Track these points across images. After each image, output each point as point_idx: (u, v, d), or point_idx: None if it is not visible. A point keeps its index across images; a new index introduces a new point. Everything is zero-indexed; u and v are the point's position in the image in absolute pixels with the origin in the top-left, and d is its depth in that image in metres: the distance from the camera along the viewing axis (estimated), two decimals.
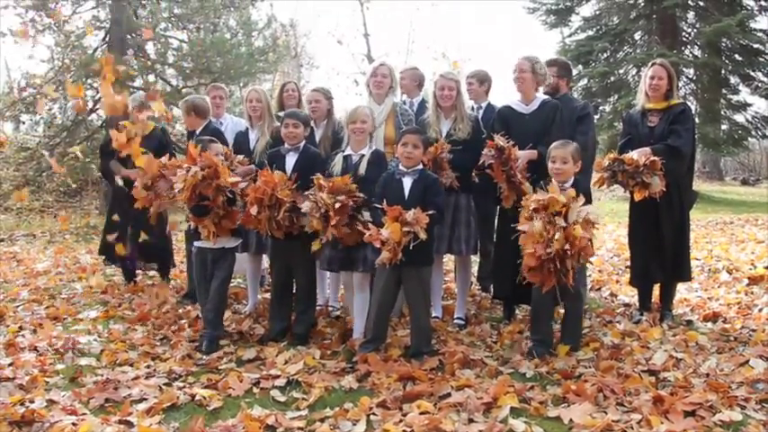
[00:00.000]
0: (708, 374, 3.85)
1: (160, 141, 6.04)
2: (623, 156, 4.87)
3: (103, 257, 6.80)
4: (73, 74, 14.75)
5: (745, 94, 18.66)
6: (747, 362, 4.02)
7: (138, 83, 15.70)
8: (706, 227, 11.31)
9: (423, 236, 4.04)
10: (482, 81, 5.89)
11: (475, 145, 4.92)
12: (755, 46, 18.01)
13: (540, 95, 5.12)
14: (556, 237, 3.93)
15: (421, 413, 3.33)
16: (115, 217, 5.77)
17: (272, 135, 5.33)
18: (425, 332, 4.38)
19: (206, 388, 3.76)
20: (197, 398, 3.59)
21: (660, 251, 5.12)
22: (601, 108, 18.50)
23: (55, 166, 3.81)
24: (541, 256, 3.96)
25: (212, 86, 6.52)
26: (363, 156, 4.66)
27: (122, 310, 5.54)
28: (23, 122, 17.48)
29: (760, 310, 5.35)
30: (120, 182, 4.85)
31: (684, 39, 19.15)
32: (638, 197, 4.85)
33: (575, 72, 17.19)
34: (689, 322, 5.13)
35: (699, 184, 18.86)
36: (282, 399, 3.65)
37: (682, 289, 5.82)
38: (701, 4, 18.64)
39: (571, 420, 3.25)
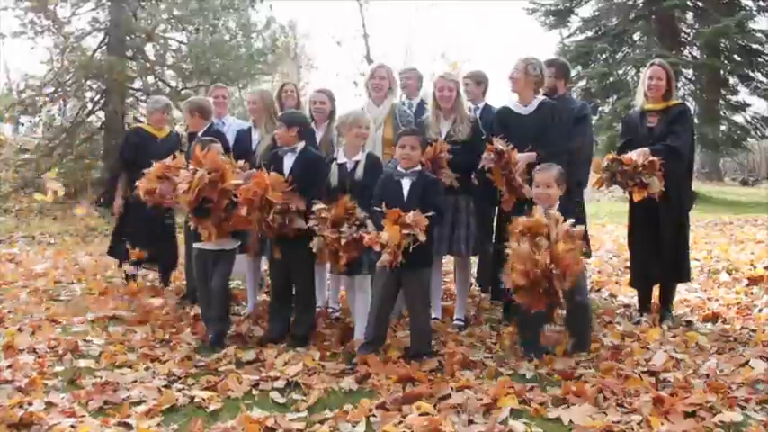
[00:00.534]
0: (708, 375, 3.85)
1: (175, 146, 6.04)
2: (622, 156, 4.86)
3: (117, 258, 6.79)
4: (72, 75, 14.75)
5: (744, 95, 18.75)
6: (747, 362, 4.02)
7: (137, 84, 15.71)
8: (705, 227, 11.31)
9: (422, 238, 4.03)
10: (479, 82, 5.87)
11: (474, 146, 4.91)
12: (754, 46, 18.07)
13: (540, 96, 5.11)
14: (537, 256, 3.87)
15: (421, 414, 3.33)
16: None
17: (274, 137, 5.33)
18: (425, 333, 4.37)
19: (205, 389, 3.75)
20: (196, 399, 3.59)
21: (659, 252, 5.11)
22: (600, 109, 18.52)
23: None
24: (530, 274, 3.89)
25: (215, 86, 6.52)
26: (358, 162, 4.63)
27: (122, 312, 5.52)
28: (22, 124, 17.47)
29: (760, 310, 5.35)
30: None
31: (683, 39, 19.19)
32: (637, 198, 4.84)
33: (574, 73, 17.26)
34: (689, 323, 5.12)
35: (698, 185, 18.83)
36: (282, 400, 3.64)
37: (681, 290, 5.82)
38: (700, 4, 18.67)
39: (571, 421, 3.25)
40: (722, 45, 17.95)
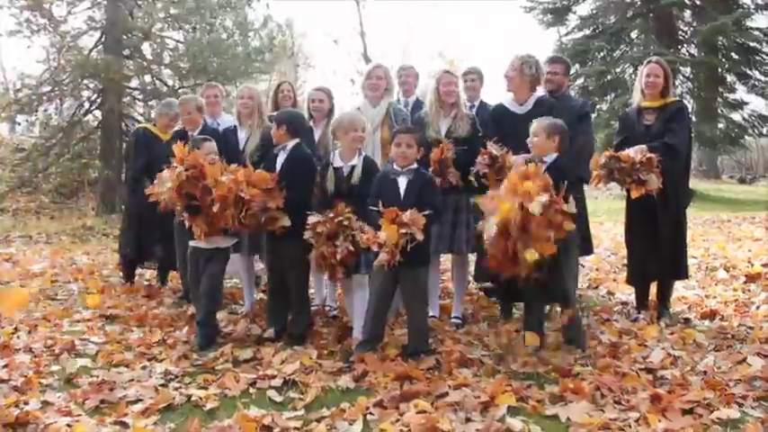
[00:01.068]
0: (705, 372, 3.85)
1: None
2: (619, 153, 4.85)
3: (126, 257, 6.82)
4: (69, 74, 14.72)
5: (741, 93, 18.80)
6: (745, 359, 4.02)
7: (134, 83, 15.69)
8: (703, 225, 11.33)
9: (420, 237, 4.02)
10: (481, 78, 5.88)
11: (473, 143, 4.90)
12: (752, 44, 18.10)
13: (536, 94, 5.10)
14: (507, 206, 3.89)
15: (418, 412, 3.32)
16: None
17: (263, 135, 5.33)
18: (422, 331, 4.36)
19: (202, 388, 3.74)
20: (193, 398, 3.57)
21: (657, 249, 5.11)
22: (598, 107, 18.53)
23: None
24: (501, 244, 3.92)
25: (207, 85, 6.44)
26: (354, 166, 4.58)
27: (119, 311, 5.52)
28: (19, 123, 17.46)
29: (757, 307, 5.35)
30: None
31: (681, 37, 19.21)
32: (634, 195, 4.82)
33: (572, 71, 17.23)
34: (686, 320, 5.13)
35: (696, 183, 18.88)
36: (279, 399, 3.62)
37: (679, 287, 5.82)
38: (698, 2, 18.70)
39: (568, 419, 3.24)
40: (720, 43, 17.97)
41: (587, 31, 19.97)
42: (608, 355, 4.19)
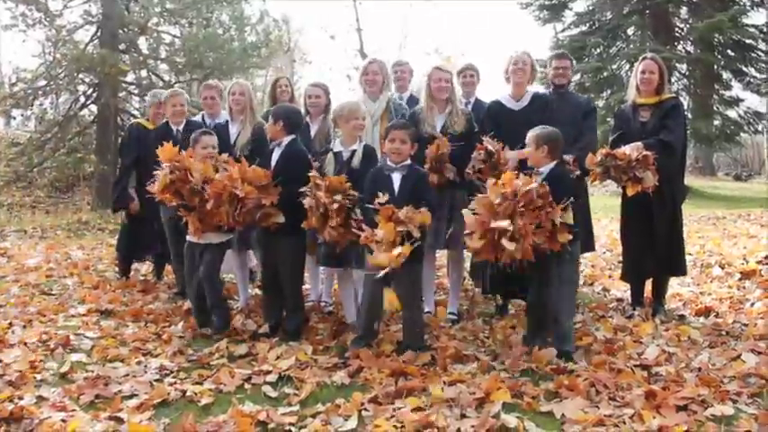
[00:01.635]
0: (700, 369, 3.85)
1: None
2: (615, 151, 4.84)
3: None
4: (64, 69, 14.68)
5: (737, 90, 18.79)
6: (739, 356, 4.02)
7: (130, 78, 15.66)
8: (698, 222, 11.35)
9: (416, 234, 4.01)
10: (478, 75, 5.89)
11: (470, 139, 4.90)
12: (748, 41, 18.09)
13: (531, 90, 5.12)
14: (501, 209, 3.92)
15: (413, 409, 3.32)
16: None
17: (254, 131, 5.33)
18: (417, 328, 4.36)
19: (197, 384, 3.74)
20: (188, 394, 3.57)
21: (653, 246, 5.11)
22: (594, 104, 18.52)
23: None
24: (485, 225, 3.93)
25: (204, 85, 6.40)
26: (355, 151, 4.61)
27: (114, 306, 5.51)
28: (14, 118, 17.41)
29: (752, 304, 5.36)
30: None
31: (677, 34, 19.20)
32: (630, 192, 4.81)
33: None
34: (681, 317, 5.13)
35: (691, 180, 18.93)
36: (274, 394, 3.62)
37: (674, 284, 5.83)
38: None
39: (563, 415, 3.25)
40: (716, 40, 17.96)
41: (584, 28, 19.95)
42: (603, 351, 4.19)
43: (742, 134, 19.50)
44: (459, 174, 4.87)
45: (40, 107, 15.80)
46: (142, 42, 15.65)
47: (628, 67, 18.23)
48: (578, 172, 4.88)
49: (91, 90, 15.40)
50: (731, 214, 12.46)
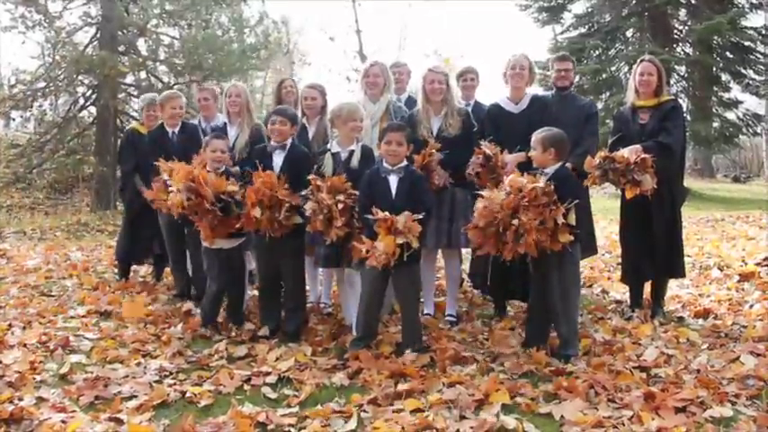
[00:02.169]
0: (699, 371, 3.85)
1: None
2: (614, 154, 4.84)
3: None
4: (63, 70, 14.68)
5: (736, 92, 18.79)
6: (738, 358, 4.02)
7: (129, 79, 15.65)
8: (697, 224, 11.35)
9: (415, 244, 4.02)
10: (478, 78, 5.89)
11: (467, 140, 4.90)
12: (747, 44, 18.12)
13: (530, 93, 5.12)
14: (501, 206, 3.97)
15: (412, 410, 3.33)
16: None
17: (252, 133, 5.33)
18: (416, 329, 4.37)
19: (197, 385, 3.74)
20: (187, 395, 3.58)
21: (652, 249, 5.12)
22: (596, 107, 18.52)
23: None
24: (490, 215, 3.99)
25: (199, 88, 6.41)
26: (352, 151, 4.61)
27: (114, 307, 5.50)
28: (14, 119, 17.40)
29: (751, 306, 5.36)
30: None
31: (676, 36, 19.22)
32: (629, 195, 4.81)
33: None
34: (680, 319, 5.14)
35: (690, 182, 18.90)
36: (273, 396, 3.63)
37: (673, 286, 5.83)
38: (693, 1, 18.72)
39: (562, 417, 3.25)
40: (715, 42, 17.98)
41: (582, 30, 19.96)
42: (602, 353, 4.20)
43: (741, 136, 19.49)
44: (458, 175, 4.87)
45: (39, 108, 15.79)
46: (141, 44, 15.66)
47: (627, 69, 18.23)
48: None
49: (90, 92, 15.40)
50: (730, 216, 12.46)
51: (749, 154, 31.28)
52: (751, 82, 18.24)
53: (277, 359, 4.16)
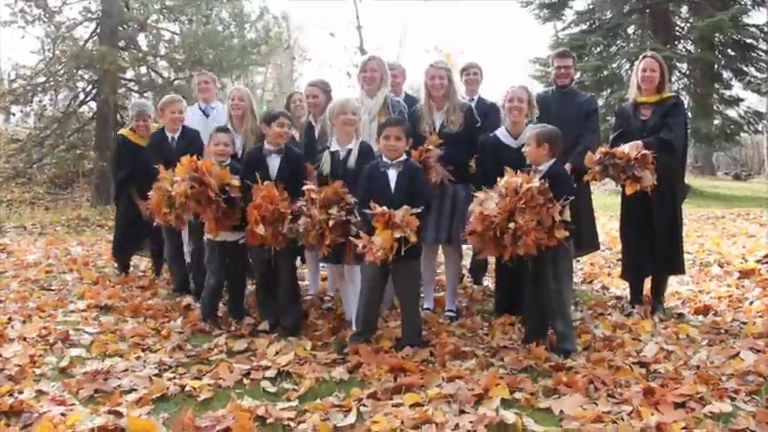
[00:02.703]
0: (698, 366, 3.85)
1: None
2: (614, 149, 4.82)
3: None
4: (63, 65, 14.67)
5: (737, 89, 18.75)
6: (738, 354, 4.03)
7: (129, 74, 15.64)
8: (698, 221, 11.35)
9: (413, 239, 4.01)
10: (481, 73, 5.85)
11: (469, 136, 4.88)
12: (748, 41, 18.07)
13: (530, 126, 4.75)
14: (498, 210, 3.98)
15: (411, 405, 3.33)
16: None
17: (257, 140, 5.33)
18: (416, 324, 4.37)
19: (196, 379, 3.74)
20: (187, 388, 3.58)
21: (652, 245, 5.11)
22: (596, 104, 18.48)
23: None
24: (487, 220, 4.00)
25: (199, 73, 6.45)
26: (351, 150, 4.60)
27: (113, 302, 5.51)
28: (14, 114, 17.39)
29: (751, 303, 5.37)
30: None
31: (678, 33, 19.18)
32: (629, 191, 4.78)
33: None
34: (680, 315, 5.14)
35: (691, 179, 18.89)
36: (273, 390, 3.63)
37: (673, 282, 5.83)
38: None
39: (562, 412, 3.25)
40: (716, 39, 17.94)
41: (584, 27, 19.92)
42: (602, 348, 4.20)
43: (742, 134, 19.50)
44: (459, 172, 4.86)
45: (39, 104, 15.78)
46: (141, 39, 15.63)
47: (628, 65, 18.20)
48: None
49: (90, 87, 15.38)
50: (730, 213, 12.46)
51: (750, 151, 31.31)
52: (752, 79, 18.20)
53: (277, 353, 4.16)
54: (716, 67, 18.35)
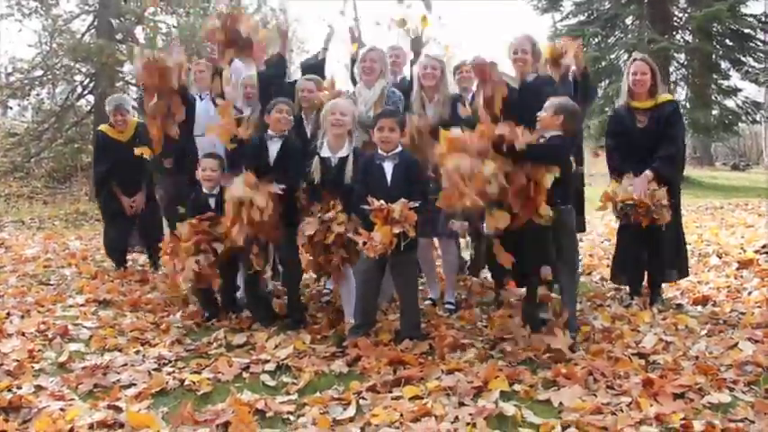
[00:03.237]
0: (697, 357, 3.86)
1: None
2: (632, 196, 4.86)
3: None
4: (61, 59, 14.63)
5: (735, 80, 18.73)
6: (736, 344, 4.03)
7: (127, 68, 15.59)
8: (696, 211, 11.34)
9: (412, 234, 4.00)
10: None
11: (457, 125, 4.85)
12: (746, 31, 18.05)
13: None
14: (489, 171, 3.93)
15: (411, 397, 3.33)
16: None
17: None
18: (415, 317, 4.36)
19: (195, 373, 3.75)
20: (186, 383, 3.58)
21: (656, 246, 5.09)
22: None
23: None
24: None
25: (195, 62, 6.43)
26: (342, 158, 4.47)
27: (112, 296, 5.50)
28: (11, 108, 17.35)
29: (749, 293, 5.37)
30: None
31: (675, 23, 19.14)
32: (644, 224, 4.88)
33: None
34: (679, 306, 5.14)
35: (689, 170, 18.92)
36: (272, 383, 3.64)
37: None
38: None
39: (561, 403, 3.26)
40: (714, 29, 17.91)
41: (582, 17, 19.89)
42: (601, 340, 4.20)
43: (740, 124, 19.48)
44: None
45: (36, 97, 15.76)
46: (139, 32, 15.57)
47: (626, 56, 18.17)
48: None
49: (88, 80, 15.35)
50: (729, 204, 12.45)
51: (748, 142, 31.31)
52: (750, 69, 18.18)
53: (276, 347, 4.16)
54: (714, 57, 18.32)
